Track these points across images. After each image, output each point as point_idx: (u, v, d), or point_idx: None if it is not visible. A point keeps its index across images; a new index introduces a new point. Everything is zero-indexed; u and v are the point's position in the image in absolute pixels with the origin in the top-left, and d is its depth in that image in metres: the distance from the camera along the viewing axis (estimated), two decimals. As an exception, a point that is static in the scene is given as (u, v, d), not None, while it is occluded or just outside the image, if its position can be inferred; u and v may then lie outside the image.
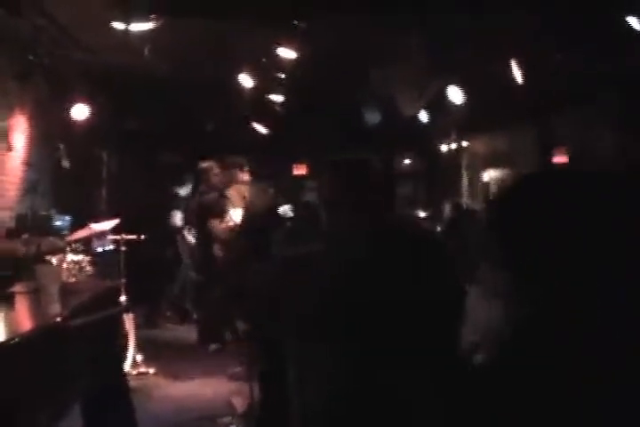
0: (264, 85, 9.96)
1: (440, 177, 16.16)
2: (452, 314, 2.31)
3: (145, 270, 9.09)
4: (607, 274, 1.45)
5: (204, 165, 8.51)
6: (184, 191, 10.44)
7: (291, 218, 6.73)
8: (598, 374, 1.39)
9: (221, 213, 7.86)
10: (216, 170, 8.32)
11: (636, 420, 1.39)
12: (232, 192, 7.90)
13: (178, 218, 10.09)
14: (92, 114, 8.68)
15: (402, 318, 2.31)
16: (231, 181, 8.06)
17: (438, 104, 10.89)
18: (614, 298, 1.43)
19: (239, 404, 5.88)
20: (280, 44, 8.35)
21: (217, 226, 7.82)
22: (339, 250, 2.51)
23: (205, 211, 8.07)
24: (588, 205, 1.48)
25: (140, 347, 7.09)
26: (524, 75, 8.76)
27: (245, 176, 8.11)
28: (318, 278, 2.41)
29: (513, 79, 8.82)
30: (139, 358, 7.03)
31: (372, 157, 2.77)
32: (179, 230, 10.03)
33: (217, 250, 7.84)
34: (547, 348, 1.44)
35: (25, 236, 5.65)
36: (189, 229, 9.72)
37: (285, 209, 6.90)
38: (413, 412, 2.26)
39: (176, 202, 10.29)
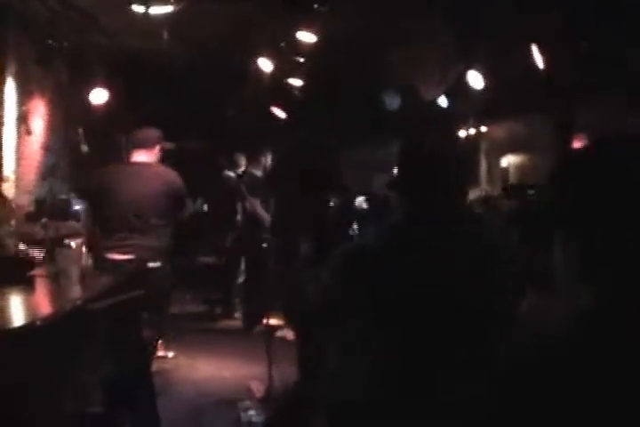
0: (283, 70, 9.90)
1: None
2: (508, 311, 2.17)
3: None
4: None
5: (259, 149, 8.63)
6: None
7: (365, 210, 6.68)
8: None
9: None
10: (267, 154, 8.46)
11: None
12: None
13: None
14: (111, 98, 8.66)
15: (460, 312, 2.20)
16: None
17: (458, 89, 10.81)
18: None
19: (257, 389, 5.88)
20: (300, 28, 8.29)
21: (257, 206, 7.95)
22: (407, 238, 2.35)
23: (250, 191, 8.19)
24: None
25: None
26: (546, 60, 8.66)
27: None
28: (381, 268, 2.29)
29: (533, 64, 8.73)
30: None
31: (446, 138, 2.60)
32: None
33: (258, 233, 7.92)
34: (612, 344, 1.23)
35: (44, 220, 5.66)
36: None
37: (360, 201, 6.88)
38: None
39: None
